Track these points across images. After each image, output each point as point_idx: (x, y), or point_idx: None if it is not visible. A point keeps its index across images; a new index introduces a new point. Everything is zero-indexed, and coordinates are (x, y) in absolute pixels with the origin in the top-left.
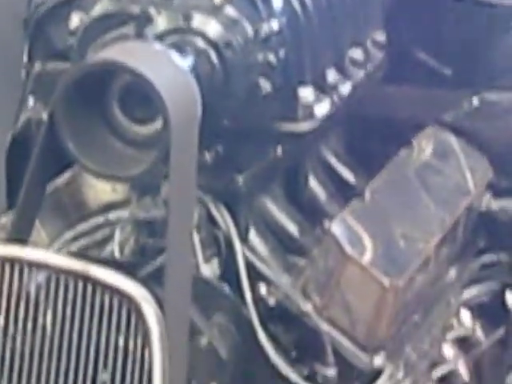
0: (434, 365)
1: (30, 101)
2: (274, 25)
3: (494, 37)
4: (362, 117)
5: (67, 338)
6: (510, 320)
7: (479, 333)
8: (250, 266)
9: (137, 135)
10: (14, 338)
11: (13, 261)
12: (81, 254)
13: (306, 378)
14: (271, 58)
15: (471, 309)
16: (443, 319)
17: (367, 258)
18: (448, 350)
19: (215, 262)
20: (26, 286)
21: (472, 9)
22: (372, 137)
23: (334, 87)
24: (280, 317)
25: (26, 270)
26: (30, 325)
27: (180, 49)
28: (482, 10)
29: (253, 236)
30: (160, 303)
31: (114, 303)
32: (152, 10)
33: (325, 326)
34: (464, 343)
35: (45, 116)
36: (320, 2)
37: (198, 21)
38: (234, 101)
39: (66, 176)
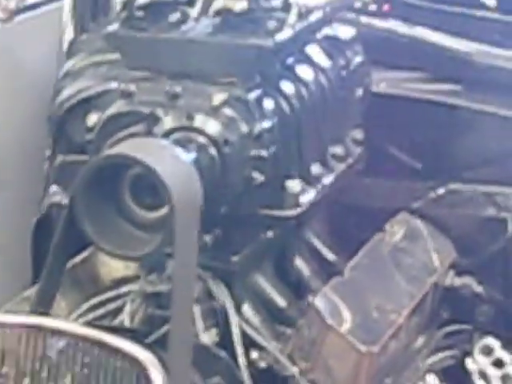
0: None
1: (53, 188)
2: (266, 124)
3: (457, 137)
4: (342, 204)
5: None
6: (471, 382)
7: None
8: (243, 334)
9: (145, 220)
10: None
11: (37, 329)
12: (96, 323)
13: None
14: (263, 153)
15: (436, 372)
16: (412, 381)
17: (346, 327)
18: None
19: (213, 330)
20: (48, 350)
21: (438, 111)
22: (351, 222)
23: (318, 179)
24: (270, 379)
25: (48, 337)
26: None
27: (183, 144)
28: (446, 113)
29: (246, 308)
30: (165, 366)
31: (125, 366)
32: (159, 111)
33: None
34: None
35: (65, 202)
36: (306, 104)
37: (200, 120)
38: (231, 190)
39: (83, 255)
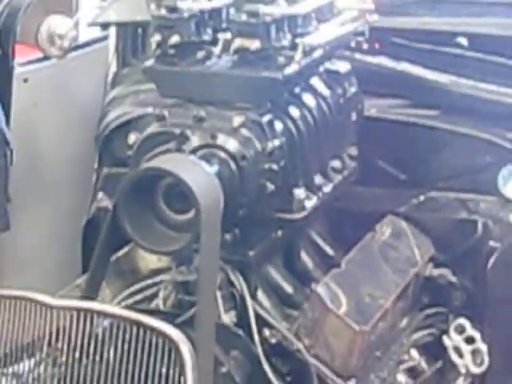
0: None
1: (99, 195)
2: (276, 143)
3: (435, 153)
4: (340, 209)
5: (124, 368)
6: (447, 355)
7: (424, 364)
8: (257, 316)
9: (176, 221)
10: (86, 367)
11: (86, 311)
12: (135, 307)
13: None
14: (274, 166)
15: (418, 348)
16: (398, 355)
17: (342, 310)
18: (401, 377)
19: (232, 312)
20: (95, 329)
21: (419, 132)
22: (346, 223)
23: (320, 188)
24: (279, 353)
25: (95, 318)
26: (97, 358)
27: (208, 159)
28: (426, 133)
29: (260, 294)
30: (192, 342)
31: (159, 343)
32: (188, 132)
33: (311, 360)
34: (412, 372)
35: (110, 206)
36: (309, 126)
37: (221, 139)
38: (247, 197)
39: (124, 250)
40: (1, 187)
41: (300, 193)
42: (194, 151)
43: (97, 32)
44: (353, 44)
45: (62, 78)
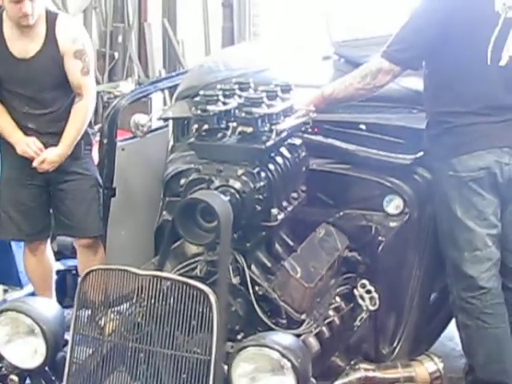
0: (326, 318)
1: (164, 213)
2: (262, 183)
3: (347, 188)
4: (296, 219)
5: (178, 308)
6: (355, 300)
7: (343, 305)
8: (251, 278)
9: (206, 227)
10: (157, 308)
11: (157, 277)
12: (185, 274)
13: (273, 323)
14: (260, 197)
15: (340, 296)
16: (329, 300)
17: (298, 275)
18: (330, 312)
19: (238, 277)
20: (162, 287)
21: (339, 177)
22: (300, 227)
23: (286, 208)
24: (264, 300)
25: (162, 281)
26: (163, 303)
27: (224, 193)
28: (340, 177)
29: (253, 267)
30: (216, 294)
31: (198, 294)
32: (213, 178)
33: (281, 303)
34: (336, 309)
35: (170, 219)
36: (279, 174)
37: (231, 182)
38: (245, 214)
39: (178, 243)
40: (96, 209)
41: (275, 211)
42: (216, 189)
43: (161, 123)
44: (303, 128)
45: (144, 148)
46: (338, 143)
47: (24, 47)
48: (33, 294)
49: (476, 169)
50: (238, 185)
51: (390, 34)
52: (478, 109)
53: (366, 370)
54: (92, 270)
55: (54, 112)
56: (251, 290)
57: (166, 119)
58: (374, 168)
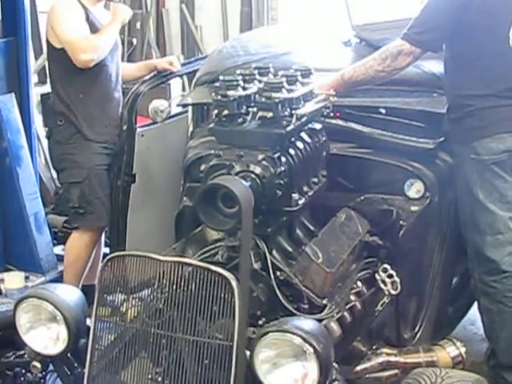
0: (347, 303)
1: (184, 199)
2: (282, 168)
3: (368, 172)
4: (318, 205)
5: (200, 294)
6: (377, 284)
7: (364, 290)
8: (272, 264)
9: (227, 212)
10: (178, 294)
11: (178, 263)
12: (206, 260)
13: (295, 308)
14: (281, 181)
15: (361, 281)
16: (350, 285)
17: (320, 260)
18: (352, 297)
19: (259, 262)
20: (184, 272)
21: (360, 161)
22: (321, 212)
23: (306, 193)
24: (285, 284)
25: (184, 266)
26: (185, 288)
27: (245, 178)
28: (364, 162)
29: (274, 252)
30: (238, 279)
31: (220, 280)
32: (233, 163)
33: (303, 288)
34: (358, 294)
35: (190, 205)
36: (300, 159)
37: (252, 167)
38: (266, 198)
39: (199, 228)
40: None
41: (295, 196)
42: (236, 174)
43: (180, 109)
44: (323, 113)
45: (163, 134)
46: (358, 127)
47: None
48: (54, 281)
49: (498, 152)
50: (258, 170)
51: (410, 18)
52: (499, 91)
53: (388, 354)
54: (113, 257)
55: None
56: (272, 276)
57: (185, 105)
58: (395, 152)
